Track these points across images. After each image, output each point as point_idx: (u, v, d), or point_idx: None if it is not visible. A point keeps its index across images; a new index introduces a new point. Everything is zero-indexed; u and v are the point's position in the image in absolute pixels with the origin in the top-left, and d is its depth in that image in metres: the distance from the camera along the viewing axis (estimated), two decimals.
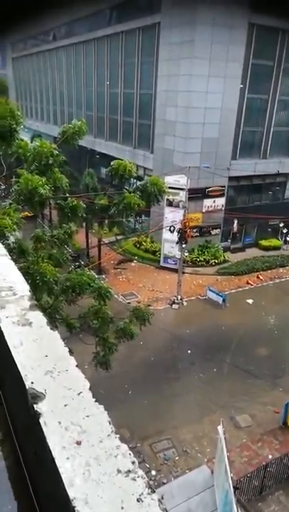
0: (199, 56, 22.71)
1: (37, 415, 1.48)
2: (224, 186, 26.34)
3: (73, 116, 31.86)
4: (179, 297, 22.14)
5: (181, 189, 22.41)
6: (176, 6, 23.05)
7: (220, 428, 10.86)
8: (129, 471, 1.30)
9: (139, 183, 11.08)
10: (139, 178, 21.70)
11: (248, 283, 24.60)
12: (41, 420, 1.46)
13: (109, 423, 1.48)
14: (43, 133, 42.47)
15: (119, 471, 1.29)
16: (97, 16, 31.71)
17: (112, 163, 9.47)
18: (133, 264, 26.86)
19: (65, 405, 1.52)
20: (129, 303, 21.16)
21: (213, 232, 27.36)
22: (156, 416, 14.32)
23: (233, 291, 23.75)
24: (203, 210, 26.17)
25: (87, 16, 32.86)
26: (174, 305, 21.90)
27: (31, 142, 9.41)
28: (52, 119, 44.39)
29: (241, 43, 23.57)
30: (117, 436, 1.43)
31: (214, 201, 26.34)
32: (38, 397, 1.55)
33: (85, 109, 36.06)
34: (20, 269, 3.01)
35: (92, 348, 9.93)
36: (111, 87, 31.71)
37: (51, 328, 2.00)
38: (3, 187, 13.28)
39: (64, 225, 9.92)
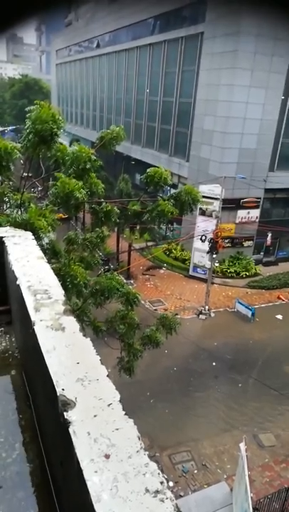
0: (241, 66, 22.55)
1: (67, 423, 1.47)
2: (260, 198, 25.90)
3: (112, 123, 32.32)
4: (207, 308, 21.86)
5: (216, 199, 22.21)
6: (220, 16, 23.04)
7: (242, 445, 10.58)
8: (157, 492, 1.26)
9: (173, 191, 11.06)
10: (174, 186, 21.74)
11: (279, 298, 23.98)
12: (71, 429, 1.45)
13: (139, 438, 1.45)
14: (82, 137, 43.36)
15: (147, 491, 1.25)
16: (141, 25, 32.14)
17: (148, 170, 9.49)
18: (162, 271, 26.80)
19: (95, 416, 1.51)
20: (156, 310, 21.09)
21: (246, 243, 26.90)
22: (177, 426, 14.14)
23: (263, 305, 23.21)
24: (237, 221, 25.81)
25: (131, 24, 33.38)
26: (201, 315, 21.64)
27: (70, 146, 9.59)
28: (91, 124, 45.22)
29: (286, 55, 23.20)
30: (146, 453, 1.40)
31: (248, 212, 25.93)
32: (68, 404, 1.54)
33: (124, 115, 36.50)
34: (52, 270, 3.04)
35: (117, 353, 9.94)
36: (151, 95, 31.97)
37: (84, 335, 2.00)
38: (40, 188, 13.57)
39: (97, 228, 10.02)
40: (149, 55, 31.56)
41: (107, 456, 1.34)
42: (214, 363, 17.73)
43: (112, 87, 38.56)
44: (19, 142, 7.93)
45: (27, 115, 7.10)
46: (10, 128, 55.28)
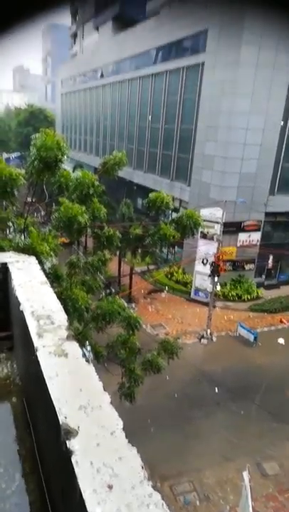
0: (241, 94, 23.16)
1: (69, 452, 1.46)
2: (260, 221, 26.07)
3: (115, 148, 32.95)
4: (209, 332, 21.66)
5: (217, 222, 22.36)
6: (221, 46, 23.82)
7: (245, 474, 10.28)
8: None
9: (175, 215, 11.17)
10: (176, 210, 21.93)
11: (281, 321, 23.77)
12: (73, 458, 1.43)
13: (142, 468, 1.43)
14: (85, 163, 44.06)
15: None
16: (143, 56, 33.21)
17: (150, 195, 9.62)
18: (163, 294, 26.70)
19: (98, 444, 1.50)
20: (157, 334, 20.89)
21: (247, 266, 26.89)
22: (179, 455, 13.76)
23: (266, 329, 22.99)
24: (238, 244, 25.90)
25: (134, 55, 34.51)
26: (203, 340, 21.42)
27: (73, 171, 9.75)
28: (94, 150, 46.06)
29: (284, 83, 23.85)
30: (150, 483, 1.38)
31: (249, 236, 26.05)
32: (71, 433, 1.53)
33: (126, 141, 37.22)
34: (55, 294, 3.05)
35: (117, 378, 9.79)
36: (152, 122, 32.69)
37: (86, 361, 1.99)
38: (43, 213, 13.73)
39: (99, 252, 10.07)
40: (151, 84, 32.47)
41: (110, 487, 1.32)
42: (216, 389, 17.41)
43: (115, 115, 39.49)
44: (23, 168, 8.09)
45: (32, 142, 7.27)
46: (15, 155, 56.37)
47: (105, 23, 44.90)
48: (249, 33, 22.16)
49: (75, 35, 61.26)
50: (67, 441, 1.49)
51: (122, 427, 1.58)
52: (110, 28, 43.02)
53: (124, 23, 39.48)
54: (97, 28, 48.41)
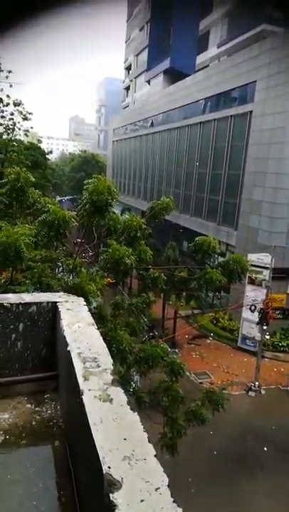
0: None
1: (112, 506, 1.39)
2: None
3: (162, 193, 33.80)
4: (257, 384, 20.50)
5: (265, 268, 21.80)
6: (269, 96, 24.35)
7: None
8: None
9: (221, 259, 11.05)
10: (222, 254, 21.74)
11: None
12: None
13: None
14: (133, 206, 45.47)
15: None
16: (193, 106, 34.61)
17: (196, 238, 9.64)
18: (208, 341, 25.90)
19: (142, 501, 1.41)
20: (201, 383, 20.08)
21: None
22: None
23: None
24: (288, 292, 24.92)
25: (183, 106, 36.09)
26: (250, 392, 20.26)
27: (121, 215, 10.08)
28: (142, 195, 47.53)
29: None
30: None
31: None
32: (114, 485, 1.46)
33: (174, 186, 38.12)
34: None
35: (158, 427, 9.40)
36: (200, 167, 33.39)
37: (131, 408, 1.94)
38: (91, 254, 14.10)
39: (143, 294, 10.08)
40: (199, 131, 33.52)
41: None
42: (265, 448, 16.17)
43: (164, 161, 40.86)
44: (75, 211, 8.47)
45: (84, 187, 7.64)
46: (67, 198, 59.45)
47: (156, 76, 47.74)
48: None
49: (127, 88, 65.56)
50: (110, 494, 1.42)
51: (167, 483, 1.49)
52: (161, 80, 45.68)
53: (174, 76, 41.81)
54: (148, 82, 51.56)
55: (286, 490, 14.19)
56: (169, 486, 1.48)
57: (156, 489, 1.46)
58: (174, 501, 1.43)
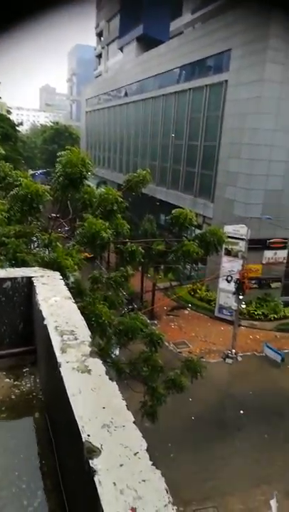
0: (265, 111, 23.13)
1: (92, 472, 1.41)
2: (287, 239, 25.62)
3: (138, 165, 33.38)
4: (234, 351, 21.19)
5: (241, 239, 22.13)
6: (245, 65, 24.00)
7: (273, 502, 9.86)
8: None
9: (198, 231, 11.11)
10: (199, 227, 21.86)
11: None
12: (96, 478, 1.39)
13: (167, 491, 1.37)
14: (108, 179, 44.81)
15: None
16: (167, 75, 33.81)
17: (173, 211, 9.60)
18: (186, 311, 26.42)
19: (121, 465, 1.45)
20: (180, 352, 20.60)
21: (274, 285, 26.35)
22: (202, 479, 13.34)
23: None
24: (264, 262, 25.47)
25: (157, 74, 35.20)
26: (227, 359, 20.95)
27: (97, 188, 9.91)
28: (117, 167, 46.80)
29: None
30: (175, 507, 1.32)
31: (275, 253, 25.60)
32: (94, 452, 1.49)
33: (149, 158, 37.67)
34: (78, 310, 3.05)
35: (139, 396, 9.65)
36: (176, 139, 33.01)
37: (110, 378, 1.96)
38: (67, 229, 13.92)
39: (121, 267, 10.09)
40: (174, 101, 32.93)
41: (134, 510, 1.27)
42: (241, 411, 16.91)
43: (139, 132, 40.14)
44: (48, 184, 8.27)
45: (57, 159, 7.44)
46: (40, 171, 57.97)
47: (129, 43, 46.18)
48: (273, 51, 22.25)
49: (99, 56, 63.28)
50: (90, 461, 1.45)
51: (146, 447, 1.53)
52: (134, 48, 44.23)
53: (147, 43, 40.54)
54: (121, 49, 49.86)
55: (260, 448, 14.98)
56: (147, 450, 1.52)
57: (135, 454, 1.50)
58: (152, 464, 1.47)
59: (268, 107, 23.07)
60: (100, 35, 61.75)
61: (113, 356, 9.58)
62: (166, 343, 19.03)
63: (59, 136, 61.73)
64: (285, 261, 25.86)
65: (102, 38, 60.93)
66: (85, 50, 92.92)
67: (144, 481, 1.39)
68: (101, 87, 52.60)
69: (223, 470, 13.93)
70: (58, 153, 7.55)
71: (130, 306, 20.85)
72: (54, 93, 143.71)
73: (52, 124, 69.25)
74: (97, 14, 60.55)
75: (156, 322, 23.61)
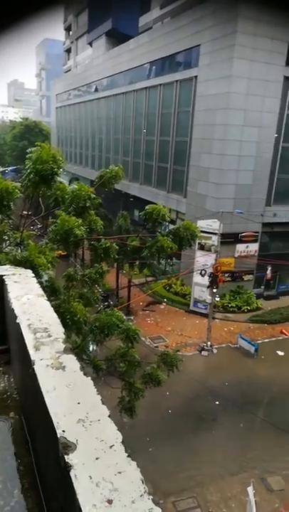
0: (235, 107, 23.45)
1: (67, 467, 1.42)
2: (258, 232, 26.16)
3: (110, 161, 33.24)
4: (209, 344, 21.53)
5: (214, 233, 22.43)
6: (213, 61, 24.22)
7: (250, 490, 10.11)
8: None
9: (172, 226, 11.21)
10: (172, 222, 22.01)
11: (282, 333, 23.66)
12: (72, 473, 1.40)
13: (143, 482, 1.39)
14: (81, 176, 44.38)
15: None
16: (138, 70, 33.73)
17: (146, 207, 9.64)
18: (162, 306, 26.60)
19: (97, 458, 1.46)
20: (156, 347, 20.74)
21: (246, 277, 26.88)
22: (181, 471, 13.54)
23: (266, 340, 22.86)
24: (236, 255, 25.92)
25: (127, 70, 35.05)
26: (203, 352, 21.27)
27: (69, 185, 9.81)
28: (90, 164, 46.40)
29: (276, 95, 24.22)
30: (150, 497, 1.35)
31: (247, 246, 26.10)
32: (69, 447, 1.49)
33: (122, 154, 37.53)
34: (52, 307, 3.03)
35: (117, 392, 9.68)
36: (148, 135, 33.01)
37: (84, 374, 1.96)
38: (40, 226, 13.72)
39: (96, 264, 10.06)
40: (145, 97, 32.89)
41: (110, 502, 1.29)
42: (217, 402, 17.23)
43: (110, 128, 39.90)
44: (19, 182, 8.12)
45: (27, 156, 7.31)
46: (10, 168, 56.75)
47: (99, 38, 45.68)
48: (240, 48, 22.55)
49: (68, 50, 62.30)
50: (65, 456, 1.46)
51: (121, 440, 1.54)
52: (104, 43, 43.78)
53: (117, 38, 40.24)
54: (90, 44, 49.26)
55: (236, 437, 15.32)
56: (122, 442, 1.54)
57: (111, 447, 1.51)
58: (128, 456, 1.48)
59: (237, 102, 23.40)
60: (68, 29, 60.76)
61: (89, 353, 9.56)
62: (143, 338, 19.14)
63: (29, 133, 60.49)
64: (256, 254, 26.40)
65: (70, 33, 59.99)
66: (53, 44, 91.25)
67: (119, 472, 1.41)
68: (71, 82, 51.88)
69: (201, 461, 14.17)
70: (28, 150, 7.43)
71: (106, 303, 20.79)
72: (23, 88, 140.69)
73: (21, 119, 67.81)
74: (65, 8, 59.51)
75: (132, 318, 23.67)
